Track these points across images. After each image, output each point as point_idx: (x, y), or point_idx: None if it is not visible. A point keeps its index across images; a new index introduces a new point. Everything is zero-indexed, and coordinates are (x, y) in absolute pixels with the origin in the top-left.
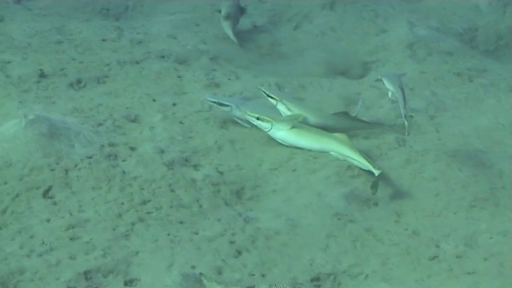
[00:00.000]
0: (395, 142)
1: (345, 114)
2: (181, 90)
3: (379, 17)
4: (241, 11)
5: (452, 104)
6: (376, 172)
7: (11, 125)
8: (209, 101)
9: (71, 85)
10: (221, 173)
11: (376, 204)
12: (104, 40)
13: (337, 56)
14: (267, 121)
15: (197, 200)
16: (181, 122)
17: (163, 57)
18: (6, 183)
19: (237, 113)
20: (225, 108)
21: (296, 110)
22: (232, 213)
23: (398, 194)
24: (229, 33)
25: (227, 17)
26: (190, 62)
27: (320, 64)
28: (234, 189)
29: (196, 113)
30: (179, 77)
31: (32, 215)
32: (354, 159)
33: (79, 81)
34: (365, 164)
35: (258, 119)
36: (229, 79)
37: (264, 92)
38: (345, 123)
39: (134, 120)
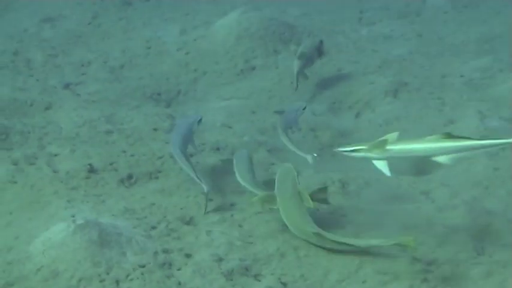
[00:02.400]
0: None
1: None
2: (237, 189)
3: (446, 106)
4: (319, 53)
5: None
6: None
7: (59, 230)
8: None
9: (122, 181)
10: (284, 284)
11: None
12: (155, 130)
13: None
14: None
15: None
16: (240, 225)
17: (218, 149)
18: None
19: None
20: None
21: None
22: None
23: None
24: (294, 72)
25: (300, 57)
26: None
27: None
28: None
29: (255, 215)
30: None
31: None
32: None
33: (130, 177)
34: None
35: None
36: None
37: None
38: None
39: (189, 222)
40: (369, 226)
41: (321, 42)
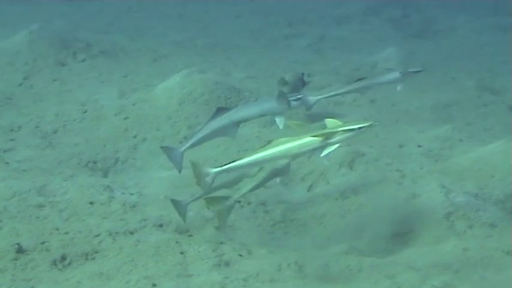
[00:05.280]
0: None
1: None
2: (185, 272)
3: (406, 178)
4: (303, 83)
5: None
6: None
7: None
8: None
9: (54, 263)
10: None
11: None
12: (91, 203)
13: (362, 228)
14: None
15: None
16: None
17: (161, 225)
18: None
19: None
20: None
21: None
22: None
23: None
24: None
25: (285, 83)
26: (193, 231)
27: (344, 234)
28: None
29: None
30: (182, 252)
31: None
32: None
33: (63, 258)
34: None
35: None
36: (240, 255)
37: None
38: None
39: None
40: None
41: (303, 74)
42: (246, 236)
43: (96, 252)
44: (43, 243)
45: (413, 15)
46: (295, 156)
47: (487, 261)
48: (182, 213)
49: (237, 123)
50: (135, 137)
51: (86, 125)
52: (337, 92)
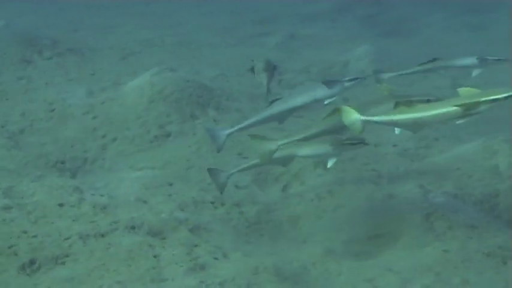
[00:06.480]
0: None
1: None
2: (159, 276)
3: (383, 179)
4: (274, 68)
5: None
6: None
7: None
8: None
9: (23, 268)
10: None
11: None
12: (61, 205)
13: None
14: None
15: None
16: None
17: (133, 228)
18: None
19: None
20: None
21: None
22: None
23: None
24: (265, 85)
25: (265, 69)
26: (167, 234)
27: (320, 236)
28: None
29: None
30: (155, 256)
31: None
32: None
33: (32, 262)
34: None
35: None
36: (215, 258)
37: None
38: None
39: None
40: None
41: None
42: (221, 238)
43: (66, 256)
44: (10, 247)
45: (386, 13)
46: (429, 124)
47: (468, 264)
48: (221, 184)
49: (291, 111)
50: (104, 136)
51: (54, 124)
52: (408, 71)
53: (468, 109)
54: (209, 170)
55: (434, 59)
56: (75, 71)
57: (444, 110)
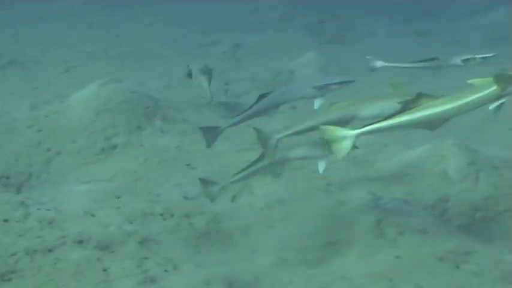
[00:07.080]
0: None
1: None
2: None
3: (333, 186)
4: (210, 71)
5: None
6: None
7: None
8: None
9: None
10: None
11: None
12: (6, 221)
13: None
14: None
15: None
16: None
17: (81, 242)
18: None
19: None
20: None
21: None
22: None
23: None
24: (205, 87)
25: (203, 72)
26: (115, 247)
27: (271, 245)
28: None
29: None
30: (104, 270)
31: None
32: None
33: None
34: None
35: None
36: (166, 271)
37: None
38: None
39: None
40: None
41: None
42: (171, 250)
43: (13, 272)
44: None
45: (329, 21)
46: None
47: (421, 269)
48: (212, 195)
49: (278, 105)
50: (49, 150)
51: None
52: (407, 65)
53: (504, 89)
54: (201, 180)
55: (433, 58)
56: (17, 85)
57: (481, 94)
